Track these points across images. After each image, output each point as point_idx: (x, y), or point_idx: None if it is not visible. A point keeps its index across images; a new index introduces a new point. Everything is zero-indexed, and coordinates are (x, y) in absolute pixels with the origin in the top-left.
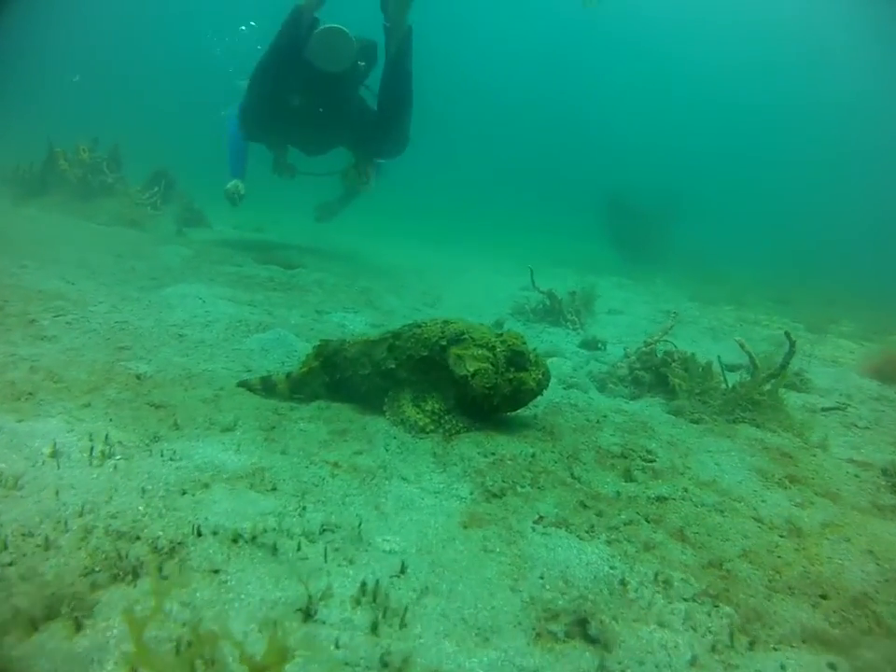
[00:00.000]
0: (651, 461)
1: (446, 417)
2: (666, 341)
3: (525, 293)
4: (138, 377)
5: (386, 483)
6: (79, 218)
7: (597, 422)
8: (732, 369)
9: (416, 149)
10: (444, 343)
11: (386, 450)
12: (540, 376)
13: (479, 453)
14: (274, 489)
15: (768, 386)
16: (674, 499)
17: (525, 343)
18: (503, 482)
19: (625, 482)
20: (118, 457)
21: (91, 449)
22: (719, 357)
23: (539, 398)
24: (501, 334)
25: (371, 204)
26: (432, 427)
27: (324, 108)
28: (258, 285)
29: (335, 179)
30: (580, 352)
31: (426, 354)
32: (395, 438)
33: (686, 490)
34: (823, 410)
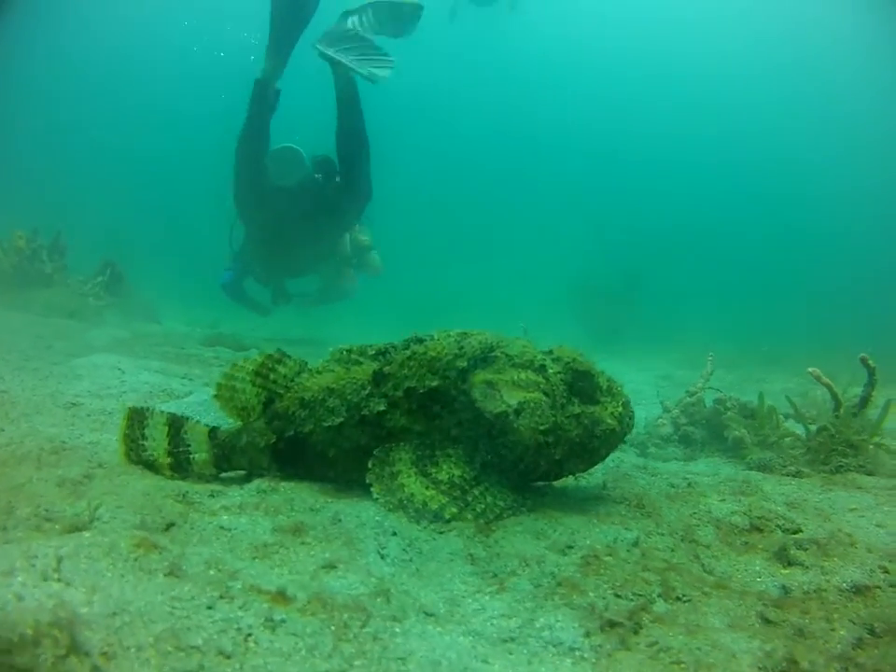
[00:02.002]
0: (797, 531)
1: (475, 491)
2: (711, 388)
3: None
4: None
5: (396, 629)
6: (9, 309)
7: (688, 486)
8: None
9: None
10: (464, 364)
11: (382, 557)
12: (621, 409)
13: (548, 548)
14: None
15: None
16: (879, 588)
17: (589, 361)
18: (619, 597)
19: (784, 567)
20: None
21: None
22: (761, 395)
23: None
24: (551, 350)
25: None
26: (455, 511)
27: (296, 217)
28: (199, 362)
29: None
30: None
31: (434, 384)
32: (394, 534)
33: (886, 570)
34: None
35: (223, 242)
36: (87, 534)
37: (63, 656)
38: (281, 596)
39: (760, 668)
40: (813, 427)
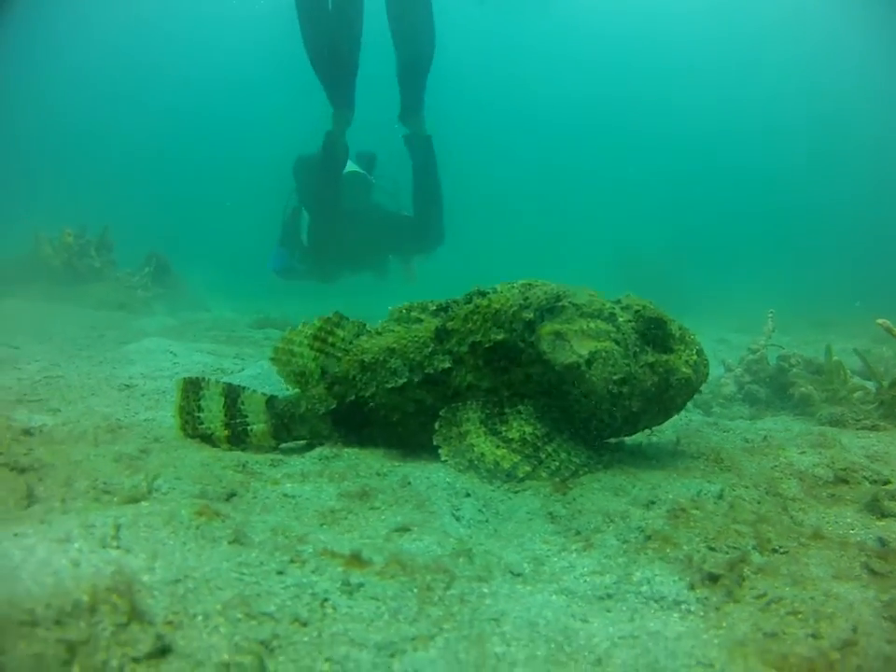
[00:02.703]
0: (887, 482)
1: (549, 448)
2: (773, 345)
3: None
4: (26, 432)
5: (484, 589)
6: (62, 303)
7: (764, 440)
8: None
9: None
10: (531, 315)
11: (457, 519)
12: (696, 357)
13: (630, 503)
14: (162, 653)
15: None
16: None
17: (659, 309)
18: (714, 549)
19: (878, 519)
20: None
21: None
22: (829, 348)
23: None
24: (619, 299)
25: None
26: (528, 469)
27: (361, 226)
28: (250, 343)
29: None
30: None
31: (500, 337)
32: (468, 495)
33: None
34: None
35: (269, 233)
36: (146, 503)
37: (124, 624)
38: (356, 559)
39: (885, 618)
40: (885, 382)
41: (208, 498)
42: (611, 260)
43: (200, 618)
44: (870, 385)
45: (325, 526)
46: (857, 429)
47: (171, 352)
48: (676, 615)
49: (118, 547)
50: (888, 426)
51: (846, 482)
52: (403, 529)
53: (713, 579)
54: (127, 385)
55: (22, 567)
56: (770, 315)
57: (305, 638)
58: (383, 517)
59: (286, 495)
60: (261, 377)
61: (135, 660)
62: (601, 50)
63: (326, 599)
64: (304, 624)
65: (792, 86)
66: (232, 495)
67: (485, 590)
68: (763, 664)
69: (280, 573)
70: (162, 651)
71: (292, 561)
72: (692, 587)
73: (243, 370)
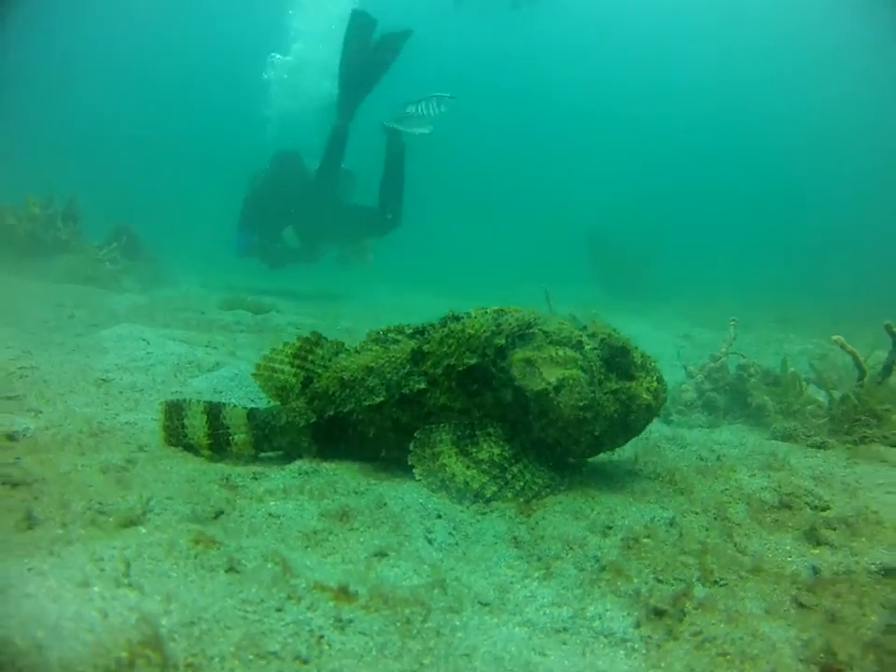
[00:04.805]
0: (825, 508)
1: (515, 469)
2: (734, 353)
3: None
4: (10, 437)
5: (455, 622)
6: (27, 277)
7: (717, 459)
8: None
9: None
10: (502, 341)
11: (430, 542)
12: (656, 384)
13: (588, 529)
14: None
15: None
16: None
17: (624, 337)
18: (660, 581)
19: (814, 547)
20: None
21: None
22: (785, 361)
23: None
24: (585, 326)
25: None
26: (495, 489)
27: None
28: (221, 327)
29: None
30: None
31: (473, 362)
32: (439, 517)
33: None
34: None
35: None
36: (143, 529)
37: None
38: (343, 593)
39: (801, 660)
40: (836, 395)
41: (199, 519)
42: (584, 247)
43: (217, 660)
44: (823, 397)
45: (309, 549)
46: (807, 445)
47: (143, 339)
48: (622, 652)
49: (130, 586)
50: (835, 443)
51: (789, 507)
52: (381, 554)
53: (658, 614)
54: (103, 380)
55: (62, 625)
56: (732, 321)
57: None
58: (361, 539)
59: (270, 514)
60: (238, 378)
61: None
62: (578, 32)
63: (322, 636)
64: (305, 662)
65: (774, 74)
66: (220, 513)
67: (457, 622)
68: None
69: (279, 610)
70: None
71: (289, 597)
72: (637, 624)
73: (217, 364)
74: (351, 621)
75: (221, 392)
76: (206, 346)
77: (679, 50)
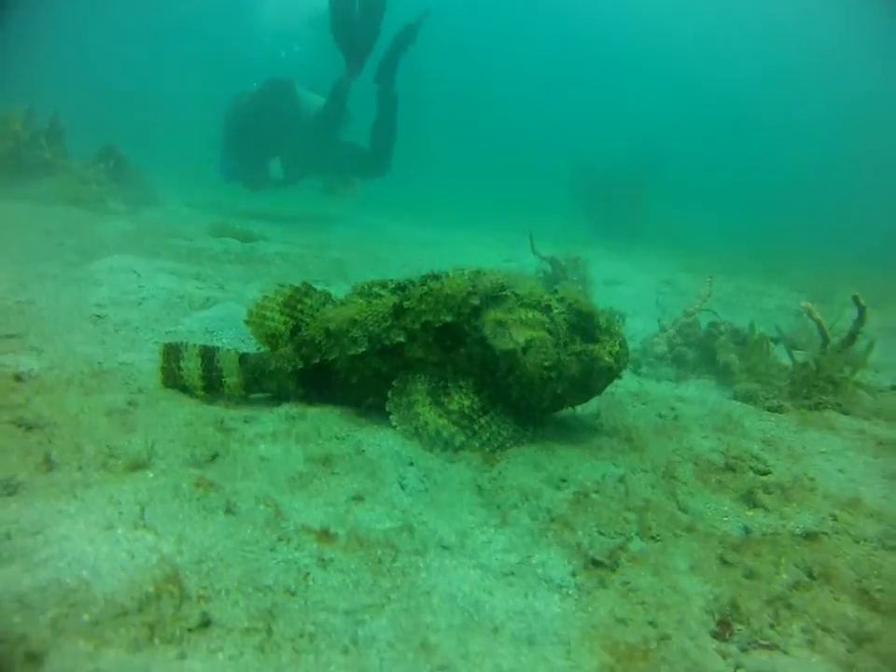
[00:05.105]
0: (766, 473)
1: (483, 420)
2: (707, 310)
3: (510, 264)
4: (17, 378)
5: (420, 563)
6: (10, 199)
7: (675, 419)
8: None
9: None
10: (476, 302)
11: (402, 487)
12: (618, 348)
13: (545, 481)
14: (206, 624)
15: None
16: (826, 534)
17: (590, 301)
18: (602, 535)
19: (749, 509)
20: None
21: None
22: (752, 324)
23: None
24: (556, 290)
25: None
26: (463, 439)
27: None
28: (209, 258)
29: None
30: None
31: (449, 319)
32: (411, 464)
33: (835, 518)
34: (893, 388)
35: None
36: (150, 473)
37: (178, 605)
38: (325, 535)
39: (707, 612)
40: (800, 359)
41: (197, 462)
42: (569, 181)
43: (223, 592)
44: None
45: (296, 492)
46: (764, 408)
47: (134, 272)
48: (557, 597)
49: (146, 527)
50: (791, 407)
51: (733, 470)
52: (358, 498)
53: (595, 564)
54: (98, 317)
55: (100, 566)
56: (708, 279)
57: (296, 606)
58: (342, 483)
59: (261, 457)
60: (228, 318)
61: (189, 630)
62: None
63: (307, 573)
64: (293, 594)
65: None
66: (216, 455)
67: (421, 564)
68: (601, 647)
69: (272, 550)
70: (206, 623)
71: (279, 539)
72: (573, 573)
73: (207, 299)
74: (332, 560)
75: (212, 332)
76: (196, 279)
77: None
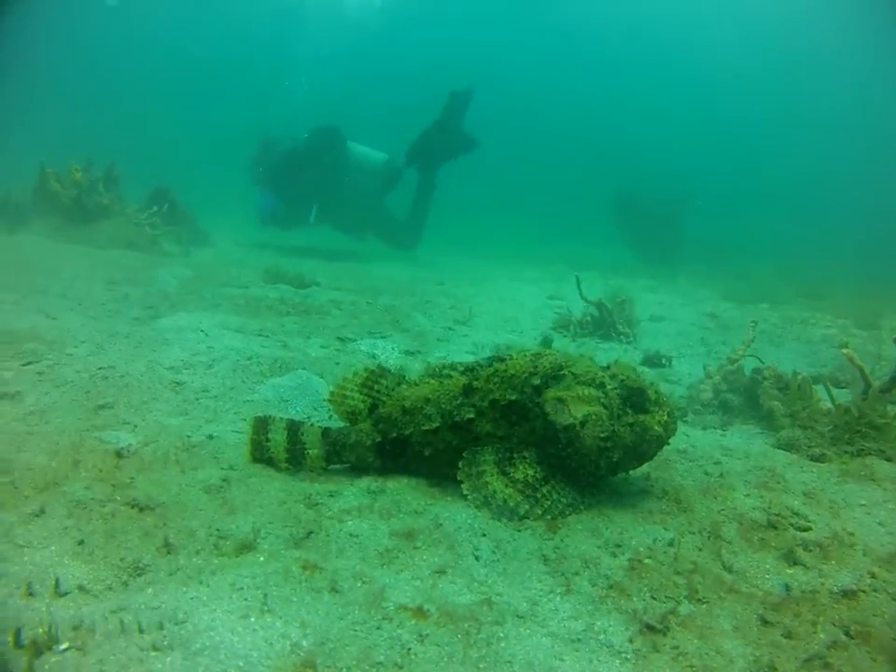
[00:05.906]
0: (806, 529)
1: (544, 489)
2: (751, 355)
3: (556, 302)
4: (118, 454)
5: (500, 633)
6: (73, 243)
7: (720, 476)
8: (815, 381)
9: None
10: (538, 381)
11: (477, 559)
12: (666, 418)
13: (602, 548)
14: None
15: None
16: (864, 592)
17: (640, 377)
18: (654, 599)
19: (789, 567)
20: (63, 646)
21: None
22: (794, 370)
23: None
24: (608, 366)
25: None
26: (527, 507)
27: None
28: (268, 308)
29: None
30: (645, 371)
31: (514, 397)
32: (484, 535)
33: (873, 575)
34: None
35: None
36: (260, 557)
37: None
38: (420, 612)
39: None
40: (841, 402)
41: (295, 541)
42: (611, 205)
43: (345, 670)
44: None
45: (385, 567)
46: (807, 457)
47: (201, 330)
48: (617, 661)
49: (271, 612)
50: (833, 455)
51: (775, 527)
52: (441, 571)
53: (649, 629)
54: (177, 383)
55: (249, 655)
56: (752, 324)
57: None
58: (424, 557)
59: (350, 534)
60: (301, 388)
61: None
62: None
63: (409, 648)
64: (400, 668)
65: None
66: (310, 533)
67: (501, 634)
68: None
69: (378, 628)
70: None
71: (384, 619)
72: (631, 640)
73: (274, 360)
74: (428, 635)
75: (287, 401)
76: (259, 335)
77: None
